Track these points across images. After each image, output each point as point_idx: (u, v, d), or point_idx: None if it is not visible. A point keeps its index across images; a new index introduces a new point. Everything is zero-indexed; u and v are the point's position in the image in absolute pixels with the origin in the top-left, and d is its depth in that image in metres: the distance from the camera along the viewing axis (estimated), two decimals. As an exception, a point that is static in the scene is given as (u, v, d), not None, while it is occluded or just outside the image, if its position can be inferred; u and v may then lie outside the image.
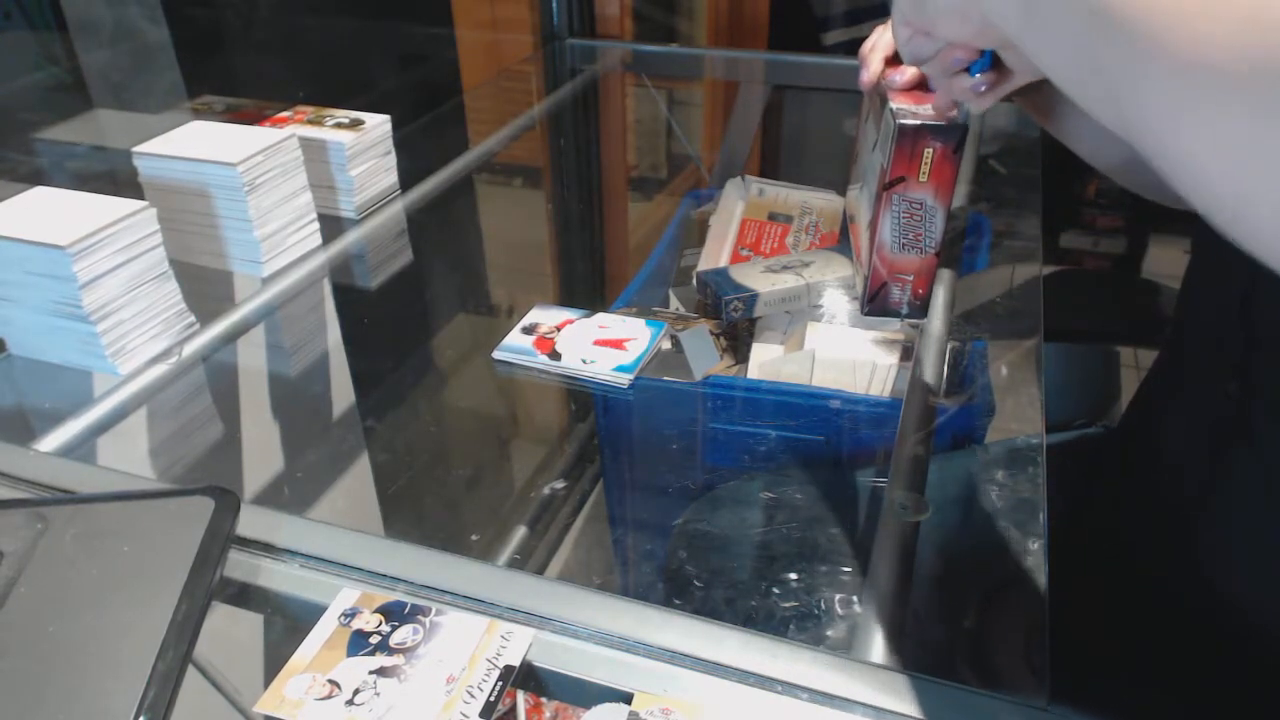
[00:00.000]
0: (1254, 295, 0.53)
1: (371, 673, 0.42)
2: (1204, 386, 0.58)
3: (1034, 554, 0.63)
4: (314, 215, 0.89)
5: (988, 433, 0.77)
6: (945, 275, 0.76)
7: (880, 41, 0.68)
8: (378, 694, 0.41)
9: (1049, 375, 0.74)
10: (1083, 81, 0.36)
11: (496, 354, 0.81)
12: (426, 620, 0.44)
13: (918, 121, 0.64)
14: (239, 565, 0.48)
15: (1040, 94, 0.58)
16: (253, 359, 0.83)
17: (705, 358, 0.85)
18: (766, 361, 0.84)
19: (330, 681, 0.41)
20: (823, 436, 0.80)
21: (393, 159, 1.00)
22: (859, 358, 0.80)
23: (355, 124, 0.94)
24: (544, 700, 0.58)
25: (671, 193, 1.83)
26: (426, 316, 1.12)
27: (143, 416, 0.70)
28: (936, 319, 0.78)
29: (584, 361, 0.78)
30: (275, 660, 0.43)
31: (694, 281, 0.95)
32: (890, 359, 0.80)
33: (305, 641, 0.43)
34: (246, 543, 0.50)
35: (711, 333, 0.87)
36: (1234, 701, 0.57)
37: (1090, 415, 0.88)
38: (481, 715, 0.40)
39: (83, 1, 1.14)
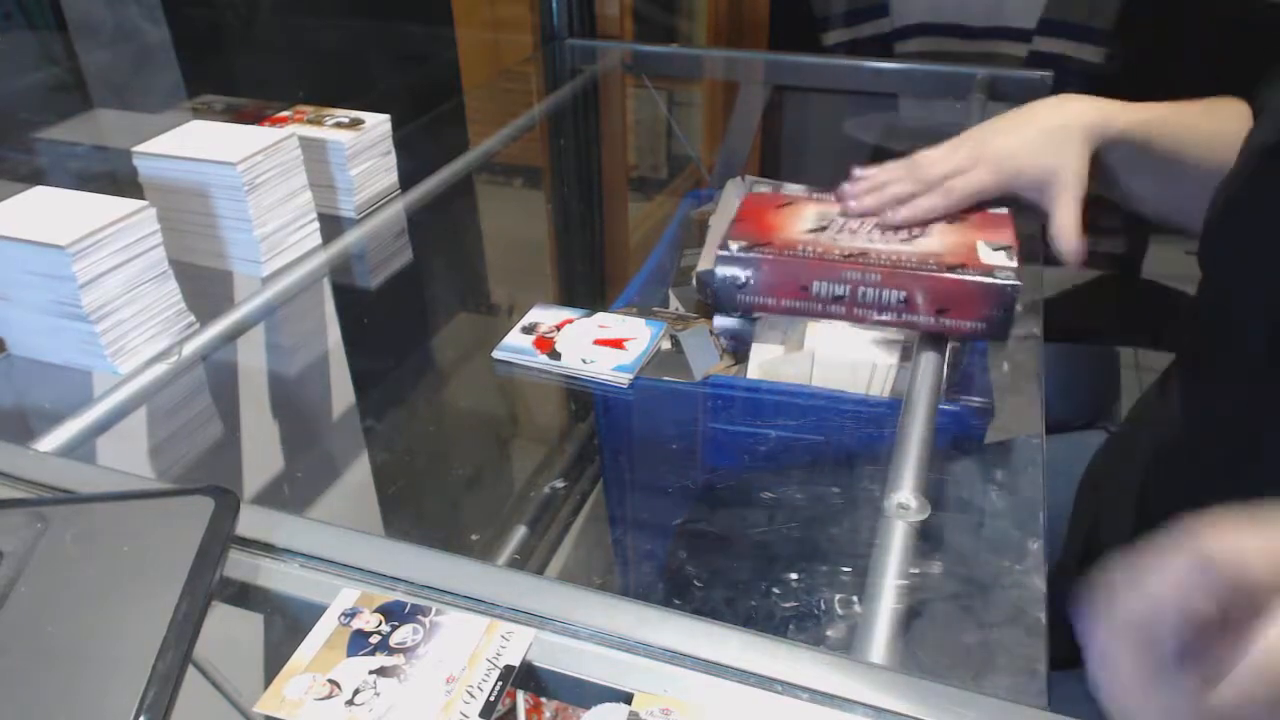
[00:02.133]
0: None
1: (371, 673, 0.42)
2: (1215, 387, 0.58)
3: (1034, 554, 0.63)
4: (314, 215, 0.89)
5: (988, 433, 0.77)
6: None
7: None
8: (378, 694, 0.41)
9: (1049, 375, 0.74)
10: None
11: (496, 354, 0.81)
12: (426, 620, 0.44)
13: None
14: (239, 565, 0.48)
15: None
16: (253, 359, 0.83)
17: (705, 358, 0.84)
18: (766, 361, 0.84)
19: (330, 681, 0.41)
20: (823, 436, 0.80)
21: (393, 159, 1.00)
22: (859, 358, 0.80)
23: (355, 123, 0.94)
24: (544, 700, 0.58)
25: (671, 193, 1.83)
26: (426, 316, 1.12)
27: (142, 416, 0.70)
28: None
29: (584, 361, 0.78)
30: (275, 660, 0.43)
31: (694, 281, 0.95)
32: (890, 359, 0.80)
33: (305, 641, 0.43)
34: (246, 543, 0.50)
35: (711, 333, 0.87)
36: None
37: (1090, 415, 0.88)
38: (481, 715, 0.40)
39: (83, 1, 1.14)
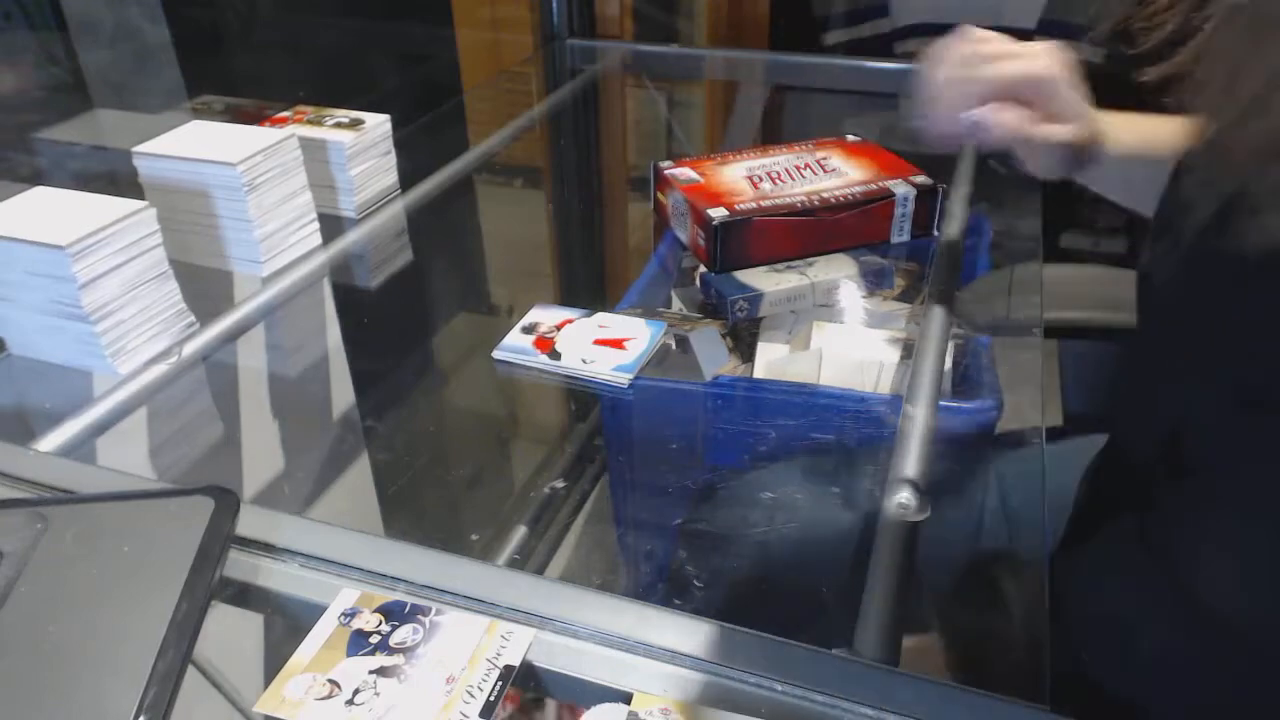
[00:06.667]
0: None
1: (371, 672, 0.42)
2: (1175, 386, 0.58)
3: (1034, 552, 0.63)
4: (314, 215, 0.89)
5: (990, 432, 0.77)
6: (946, 274, 0.76)
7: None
8: (378, 694, 0.41)
9: (1067, 372, 0.74)
10: None
11: (496, 354, 0.81)
12: (426, 620, 0.44)
13: None
14: (239, 565, 0.48)
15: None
16: (253, 359, 0.83)
17: (715, 358, 0.84)
18: (773, 360, 0.84)
19: (330, 681, 0.41)
20: (830, 435, 0.80)
21: (393, 159, 1.00)
22: (866, 356, 0.80)
23: (355, 124, 0.94)
24: (543, 699, 0.58)
25: (672, 193, 1.82)
26: (426, 316, 1.12)
27: (142, 416, 0.70)
28: (938, 318, 0.78)
29: (584, 361, 0.78)
30: (275, 660, 0.43)
31: (697, 282, 0.95)
32: (897, 357, 0.80)
33: (305, 641, 0.43)
34: (246, 543, 0.50)
35: (721, 333, 0.87)
36: (1232, 701, 0.57)
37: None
38: (481, 715, 0.40)
39: (83, 1, 1.14)
